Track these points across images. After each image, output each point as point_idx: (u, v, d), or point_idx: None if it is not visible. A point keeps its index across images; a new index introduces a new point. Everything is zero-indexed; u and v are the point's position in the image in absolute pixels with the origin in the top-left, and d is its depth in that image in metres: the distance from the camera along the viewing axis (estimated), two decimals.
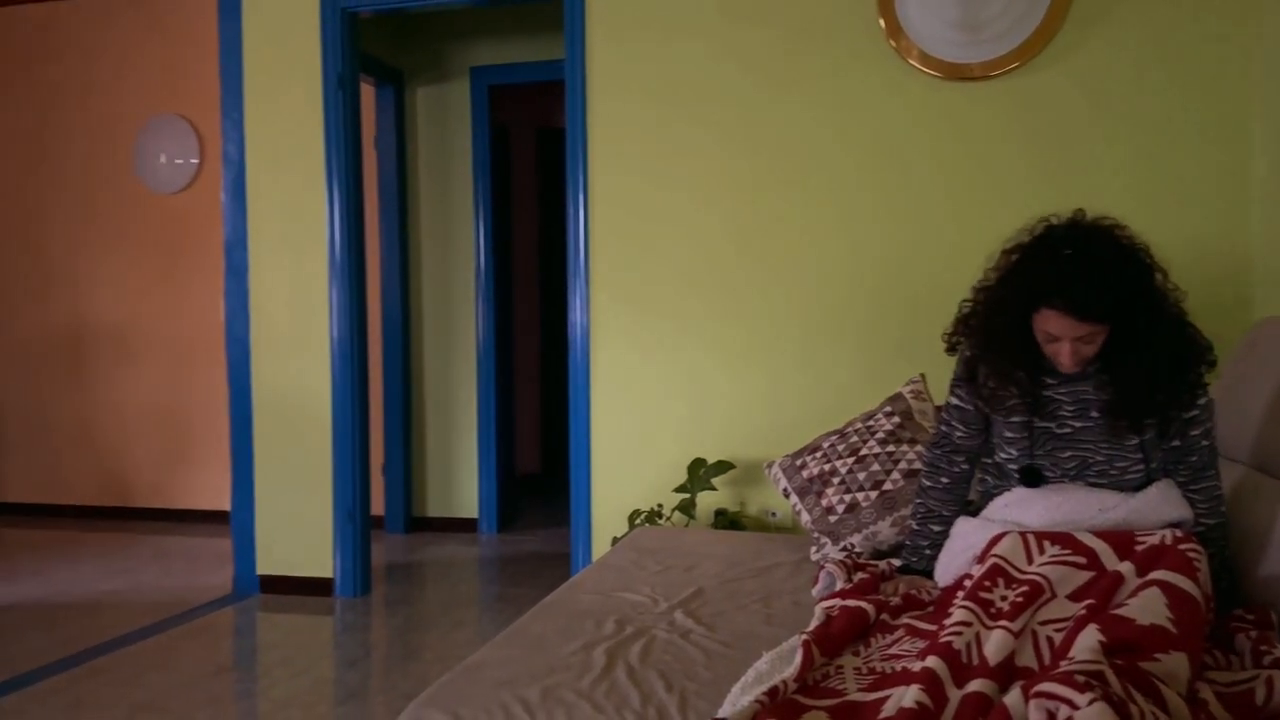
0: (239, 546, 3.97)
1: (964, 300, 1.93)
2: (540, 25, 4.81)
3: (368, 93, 4.85)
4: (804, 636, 1.60)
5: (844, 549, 2.35)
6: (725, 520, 3.29)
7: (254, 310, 3.93)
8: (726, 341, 3.40)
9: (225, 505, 4.94)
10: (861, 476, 2.49)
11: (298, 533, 3.89)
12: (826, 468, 2.57)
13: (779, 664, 1.58)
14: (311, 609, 3.70)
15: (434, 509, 5.09)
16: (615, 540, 3.19)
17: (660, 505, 3.35)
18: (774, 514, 3.35)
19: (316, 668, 3.05)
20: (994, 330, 1.83)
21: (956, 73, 3.14)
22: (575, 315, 3.53)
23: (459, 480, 5.06)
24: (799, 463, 2.67)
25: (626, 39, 3.46)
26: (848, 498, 2.47)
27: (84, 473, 5.49)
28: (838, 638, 1.63)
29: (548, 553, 4.55)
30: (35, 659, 3.11)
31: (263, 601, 3.82)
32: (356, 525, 3.86)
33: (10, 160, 5.50)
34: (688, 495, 3.27)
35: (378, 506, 4.96)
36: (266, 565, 3.94)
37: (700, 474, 3.26)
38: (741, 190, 3.38)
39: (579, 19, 3.48)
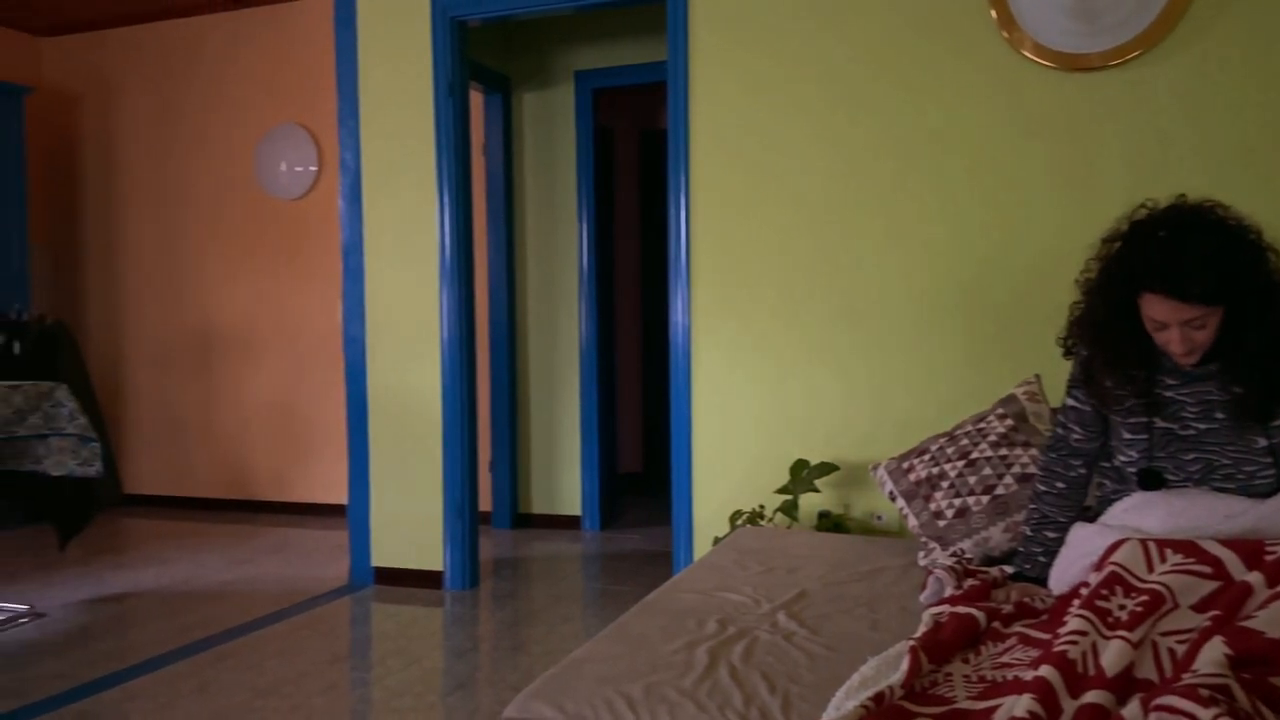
0: (355, 539, 4.11)
1: (1075, 302, 1.88)
2: (644, 27, 4.84)
3: (476, 100, 4.96)
4: (911, 642, 1.57)
5: (953, 554, 2.30)
6: (829, 523, 3.26)
7: (369, 312, 4.07)
8: (830, 341, 3.36)
9: (342, 499, 5.12)
10: (972, 480, 2.43)
11: (410, 527, 4.01)
12: (935, 471, 2.51)
13: (885, 669, 1.56)
14: (422, 601, 3.81)
15: (539, 506, 5.18)
16: (717, 540, 3.18)
17: (762, 506, 3.33)
18: (879, 517, 3.30)
19: (427, 658, 3.15)
20: (1101, 322, 1.77)
21: (1073, 63, 3.03)
22: (676, 315, 3.54)
23: (562, 478, 5.13)
24: (906, 465, 2.62)
25: (730, 39, 3.45)
26: (957, 502, 2.41)
27: (210, 467, 5.78)
28: (947, 645, 1.59)
29: (649, 551, 4.58)
30: (165, 644, 3.29)
31: (377, 593, 3.95)
32: (465, 521, 3.96)
33: (145, 169, 5.84)
34: (790, 496, 3.25)
35: (485, 503, 5.07)
36: (380, 558, 4.07)
37: (803, 475, 3.23)
38: (845, 188, 3.33)
39: (682, 19, 3.50)
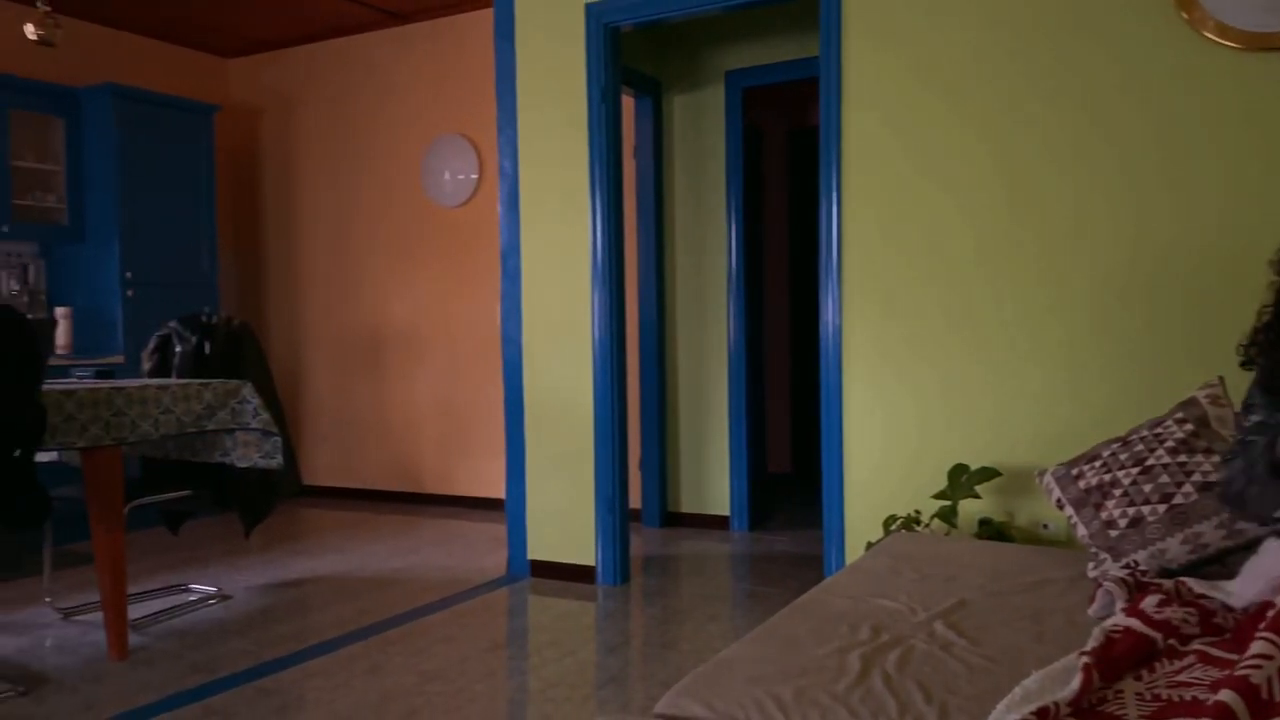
0: (512, 533, 4.25)
1: (1263, 306, 1.75)
2: (795, 24, 4.80)
3: (627, 104, 5.03)
4: (1084, 658, 1.50)
5: (1126, 566, 2.18)
6: (991, 530, 3.14)
7: (526, 313, 4.20)
8: (990, 340, 3.24)
9: (501, 494, 5.30)
10: (1148, 489, 2.29)
11: (564, 522, 4.12)
12: (1107, 478, 2.39)
13: (1049, 684, 1.50)
14: (576, 594, 3.90)
15: (688, 505, 5.21)
16: (870, 545, 3.12)
17: (918, 511, 3.25)
18: (1046, 526, 3.16)
19: (581, 650, 3.22)
20: None
21: (1259, 43, 2.82)
22: (827, 315, 3.50)
23: (711, 477, 5.14)
24: (1075, 472, 2.50)
25: (883, 31, 3.38)
26: (1131, 511, 2.28)
27: (379, 461, 6.10)
28: (1120, 661, 1.51)
29: (799, 554, 4.54)
30: (339, 627, 3.49)
31: (532, 585, 4.07)
32: (616, 517, 4.03)
33: (320, 180, 6.21)
34: (949, 502, 3.15)
35: (635, 500, 5.15)
36: (536, 551, 4.20)
37: (962, 481, 3.13)
38: (1005, 181, 3.21)
39: (835, 14, 3.45)
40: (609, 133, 3.98)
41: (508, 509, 4.27)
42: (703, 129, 5.10)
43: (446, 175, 5.75)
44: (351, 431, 6.18)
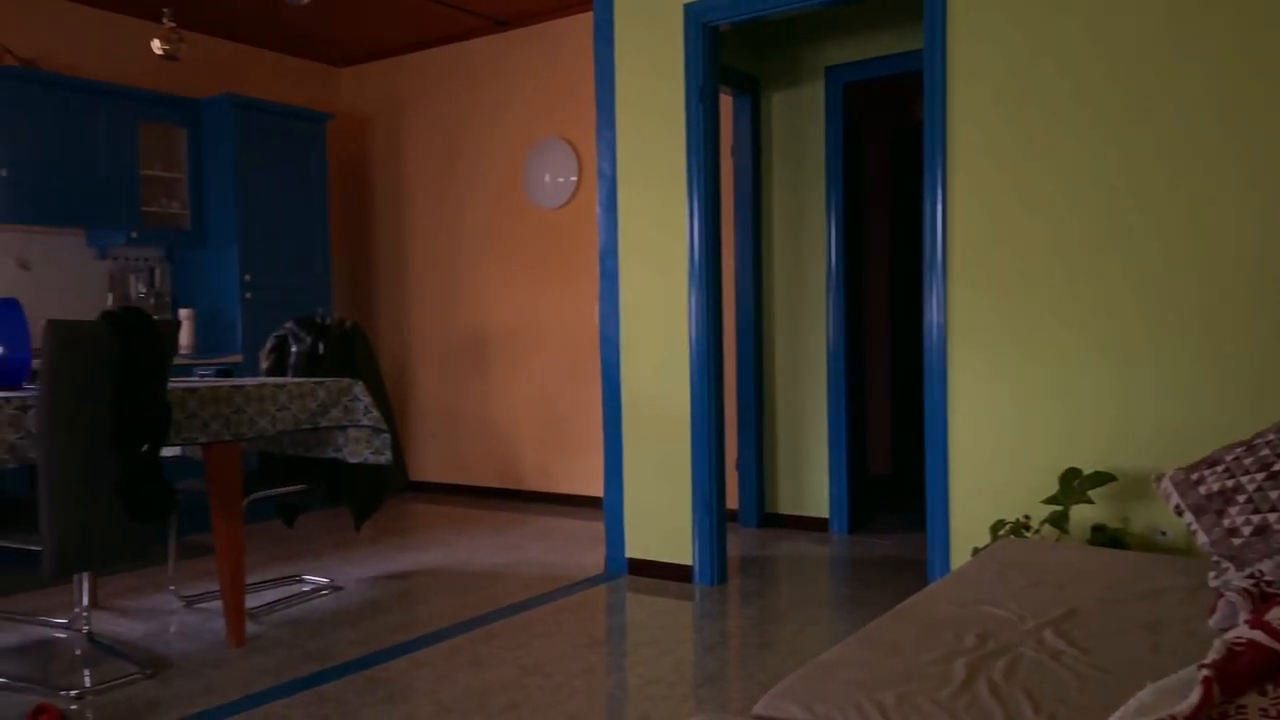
0: (610, 531, 4.29)
1: None
2: (897, 17, 4.71)
3: (725, 103, 5.02)
4: (1204, 671, 1.44)
5: (1250, 576, 2.07)
6: (1104, 537, 3.03)
7: (623, 314, 4.23)
8: (1103, 340, 3.12)
9: (600, 492, 5.35)
10: (1274, 495, 2.18)
11: (661, 521, 4.14)
12: (1229, 484, 2.28)
13: (1166, 696, 1.44)
14: (673, 593, 3.92)
15: (785, 506, 5.17)
16: (976, 550, 3.05)
17: (1027, 517, 3.15)
18: (1164, 533, 3.02)
19: (678, 649, 3.23)
20: None
21: None
22: (931, 314, 3.42)
23: (810, 479, 5.09)
24: (1195, 477, 2.39)
25: (990, 20, 3.29)
26: (1256, 518, 2.17)
27: (483, 458, 6.23)
28: (1243, 675, 1.44)
29: (901, 558, 4.45)
30: (444, 619, 3.58)
31: (630, 582, 4.10)
32: (713, 517, 4.03)
33: (427, 184, 6.38)
34: (1060, 507, 3.05)
35: (733, 501, 5.13)
36: (634, 549, 4.23)
37: (1074, 485, 3.03)
38: (1121, 175, 3.09)
39: (939, 4, 3.37)
40: (707, 132, 3.98)
41: (606, 507, 4.31)
42: (802, 126, 5.05)
43: (547, 178, 5.84)
44: (456, 429, 6.33)
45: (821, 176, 4.99)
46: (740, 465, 5.17)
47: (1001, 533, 3.10)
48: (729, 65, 4.79)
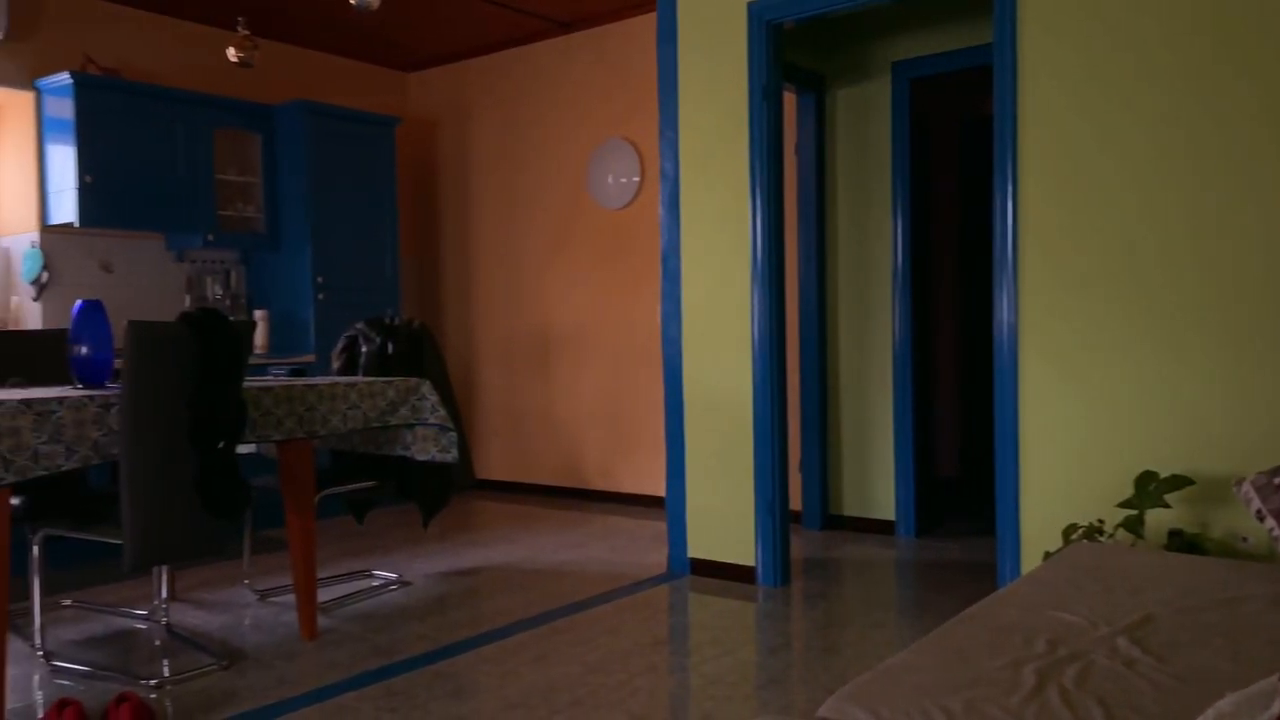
0: (672, 530, 4.30)
1: None
2: (966, 10, 4.63)
3: (789, 100, 4.99)
4: None
5: None
6: (1182, 542, 2.94)
7: (686, 313, 4.23)
8: (1180, 340, 3.03)
9: (662, 491, 5.36)
10: None
11: (723, 521, 4.13)
12: None
13: (1246, 706, 1.39)
14: (736, 594, 3.90)
15: (850, 508, 5.12)
16: (1048, 555, 2.98)
17: (1101, 521, 3.08)
18: (1245, 539, 2.93)
19: (741, 650, 3.22)
20: None
21: None
22: (1001, 313, 3.36)
23: (875, 480, 5.03)
24: (1277, 481, 2.31)
25: (1064, 16, 3.22)
26: None
27: (547, 457, 6.28)
28: None
29: (969, 562, 4.37)
30: (508, 616, 3.62)
31: (692, 583, 4.10)
32: (776, 518, 4.00)
33: (492, 187, 6.45)
34: (1135, 512, 2.97)
35: (796, 502, 5.10)
36: (696, 549, 4.23)
37: (1150, 489, 2.94)
38: (1194, 171, 2.99)
39: None
40: (770, 131, 3.96)
41: (668, 507, 4.32)
42: (868, 123, 5.00)
43: (610, 179, 5.86)
44: (521, 428, 6.40)
45: (887, 174, 4.93)
46: (804, 466, 5.13)
47: (1074, 537, 3.03)
48: (792, 63, 4.76)
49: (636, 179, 5.75)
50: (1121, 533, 3.02)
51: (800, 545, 4.70)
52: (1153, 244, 3.08)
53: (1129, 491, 3.02)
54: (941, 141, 5.97)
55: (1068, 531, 3.07)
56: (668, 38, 4.23)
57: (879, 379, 5.00)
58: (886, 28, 4.91)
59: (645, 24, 5.49)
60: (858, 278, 5.05)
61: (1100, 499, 3.14)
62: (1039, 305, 3.29)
